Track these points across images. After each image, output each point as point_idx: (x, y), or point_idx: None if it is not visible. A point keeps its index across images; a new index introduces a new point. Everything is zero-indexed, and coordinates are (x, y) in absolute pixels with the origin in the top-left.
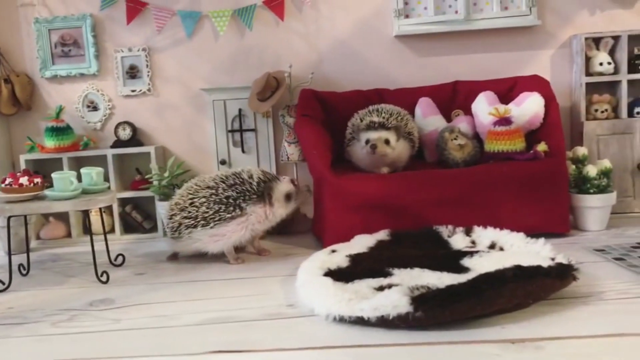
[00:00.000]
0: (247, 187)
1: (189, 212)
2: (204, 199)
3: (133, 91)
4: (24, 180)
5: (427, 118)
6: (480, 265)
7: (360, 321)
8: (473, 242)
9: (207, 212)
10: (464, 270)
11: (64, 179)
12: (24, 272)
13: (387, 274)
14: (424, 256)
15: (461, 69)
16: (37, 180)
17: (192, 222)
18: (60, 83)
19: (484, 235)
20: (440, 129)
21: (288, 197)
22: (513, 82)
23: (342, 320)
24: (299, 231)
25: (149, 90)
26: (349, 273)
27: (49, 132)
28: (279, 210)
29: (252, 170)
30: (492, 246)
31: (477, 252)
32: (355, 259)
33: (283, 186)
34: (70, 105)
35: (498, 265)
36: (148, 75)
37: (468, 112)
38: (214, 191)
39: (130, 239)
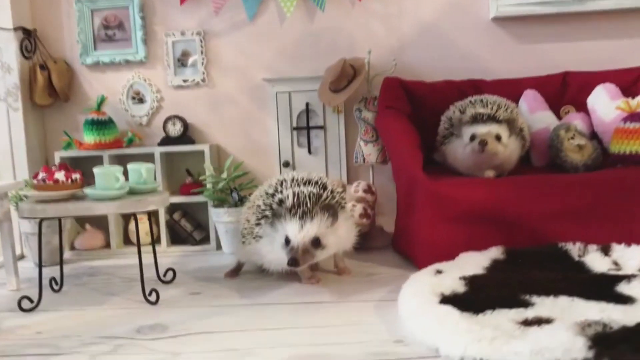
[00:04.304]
0: (275, 200)
1: (247, 215)
2: (254, 205)
3: (185, 81)
4: (60, 175)
5: (536, 113)
6: None
7: None
8: (616, 264)
9: (250, 221)
10: (628, 300)
11: (107, 174)
12: (57, 287)
13: (526, 304)
14: (564, 280)
15: (571, 58)
16: (76, 176)
17: (248, 228)
18: (103, 71)
19: (628, 255)
20: (551, 126)
21: (288, 242)
22: (637, 73)
23: None
24: (376, 247)
25: (203, 80)
26: (473, 301)
27: (89, 126)
28: (266, 248)
29: (302, 180)
30: None
31: (634, 276)
32: (473, 282)
33: (290, 226)
34: (113, 97)
35: None
36: (202, 64)
37: (580, 108)
38: (262, 195)
39: (178, 252)
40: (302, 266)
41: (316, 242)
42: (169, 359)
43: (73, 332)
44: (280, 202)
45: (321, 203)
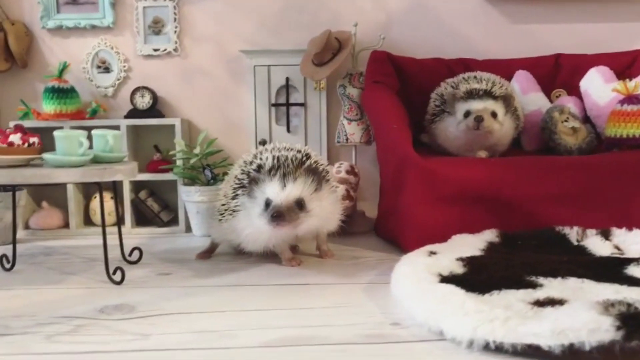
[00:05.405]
0: (253, 167)
1: (225, 190)
2: (232, 177)
3: (156, 50)
4: (15, 138)
5: (528, 95)
6: None
7: (530, 351)
8: (618, 248)
9: (227, 196)
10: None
11: (70, 138)
12: (8, 266)
13: (533, 284)
14: (569, 262)
15: (563, 41)
16: (34, 140)
17: (226, 203)
18: (66, 36)
19: (630, 239)
20: (543, 108)
21: (268, 205)
22: (632, 57)
23: (498, 349)
24: (357, 232)
25: (175, 50)
26: (475, 281)
27: (49, 94)
28: (243, 222)
29: (284, 148)
30: None
31: None
32: (471, 263)
33: (271, 187)
34: (76, 65)
35: None
36: (175, 32)
37: (572, 91)
38: (240, 165)
39: (144, 234)
40: (287, 223)
41: (300, 204)
42: (138, 341)
43: (26, 311)
44: (259, 167)
45: (305, 167)
